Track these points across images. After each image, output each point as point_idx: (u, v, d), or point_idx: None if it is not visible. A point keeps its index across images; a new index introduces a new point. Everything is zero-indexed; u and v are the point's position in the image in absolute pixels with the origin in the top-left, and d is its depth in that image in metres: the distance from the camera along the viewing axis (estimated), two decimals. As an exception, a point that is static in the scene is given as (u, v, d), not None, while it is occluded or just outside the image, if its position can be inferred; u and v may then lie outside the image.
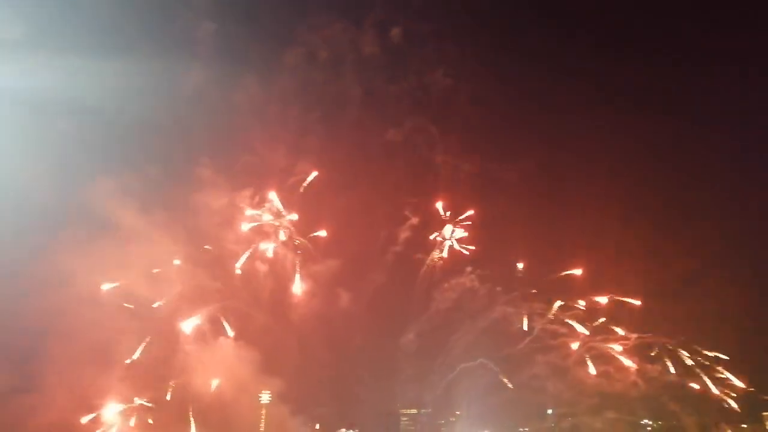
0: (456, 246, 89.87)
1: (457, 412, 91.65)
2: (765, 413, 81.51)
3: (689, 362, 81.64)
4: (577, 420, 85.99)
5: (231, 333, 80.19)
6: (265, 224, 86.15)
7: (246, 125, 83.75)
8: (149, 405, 75.61)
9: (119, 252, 72.04)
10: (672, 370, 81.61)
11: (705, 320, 79.99)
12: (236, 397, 79.28)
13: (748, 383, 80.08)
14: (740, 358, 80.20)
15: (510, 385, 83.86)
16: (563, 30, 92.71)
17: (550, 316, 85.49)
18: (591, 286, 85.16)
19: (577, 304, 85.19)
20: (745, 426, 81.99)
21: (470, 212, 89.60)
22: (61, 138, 69.87)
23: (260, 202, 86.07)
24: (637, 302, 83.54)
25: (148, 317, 75.34)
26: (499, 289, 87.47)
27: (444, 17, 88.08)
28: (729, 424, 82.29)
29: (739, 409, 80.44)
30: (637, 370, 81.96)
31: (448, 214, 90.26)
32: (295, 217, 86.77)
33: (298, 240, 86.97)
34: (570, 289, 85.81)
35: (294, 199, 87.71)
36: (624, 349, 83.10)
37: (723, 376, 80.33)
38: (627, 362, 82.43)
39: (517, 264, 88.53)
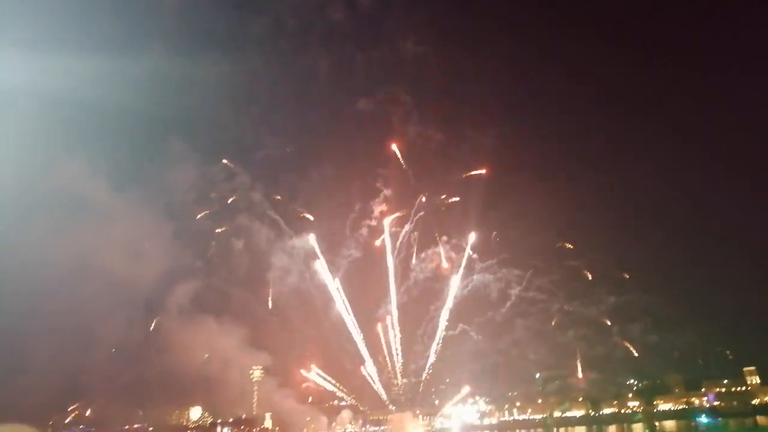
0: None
1: (447, 380, 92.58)
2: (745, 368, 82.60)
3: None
4: (564, 382, 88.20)
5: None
6: (238, 199, 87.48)
7: (214, 100, 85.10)
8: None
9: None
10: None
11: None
12: (226, 373, 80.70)
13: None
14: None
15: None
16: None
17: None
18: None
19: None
20: (726, 381, 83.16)
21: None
22: (29, 123, 69.28)
23: (232, 177, 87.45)
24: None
25: (129, 296, 75.95)
26: (475, 256, 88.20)
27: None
28: (710, 380, 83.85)
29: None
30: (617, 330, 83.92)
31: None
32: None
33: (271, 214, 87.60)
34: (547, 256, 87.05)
35: (267, 174, 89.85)
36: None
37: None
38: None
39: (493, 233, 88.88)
